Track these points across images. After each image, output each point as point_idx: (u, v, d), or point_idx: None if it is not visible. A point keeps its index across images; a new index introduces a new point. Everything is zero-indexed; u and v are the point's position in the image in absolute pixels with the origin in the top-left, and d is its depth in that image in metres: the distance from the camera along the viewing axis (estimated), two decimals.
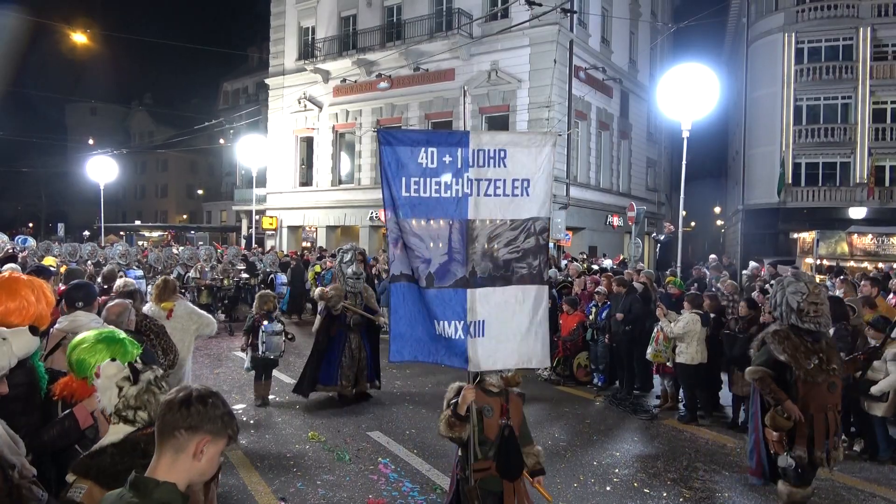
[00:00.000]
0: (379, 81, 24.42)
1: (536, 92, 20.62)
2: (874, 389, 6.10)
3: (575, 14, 21.04)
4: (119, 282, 5.97)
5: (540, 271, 3.53)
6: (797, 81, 27.09)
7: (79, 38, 19.90)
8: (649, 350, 8.14)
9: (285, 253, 22.08)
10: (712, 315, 7.79)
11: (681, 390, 8.06)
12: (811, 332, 4.38)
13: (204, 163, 59.77)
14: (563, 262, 14.66)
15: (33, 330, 2.70)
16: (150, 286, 10.69)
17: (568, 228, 20.65)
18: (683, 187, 13.65)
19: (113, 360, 2.31)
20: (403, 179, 3.41)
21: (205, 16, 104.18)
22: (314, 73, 26.24)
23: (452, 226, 3.43)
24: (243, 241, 33.08)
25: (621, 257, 19.16)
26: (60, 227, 39.34)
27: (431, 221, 3.44)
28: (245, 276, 15.32)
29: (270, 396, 8.10)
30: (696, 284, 11.18)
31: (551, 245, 17.11)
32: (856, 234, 17.86)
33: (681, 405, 8.05)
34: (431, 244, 3.44)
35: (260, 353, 7.69)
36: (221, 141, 42.29)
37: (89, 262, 14.35)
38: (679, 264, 12.98)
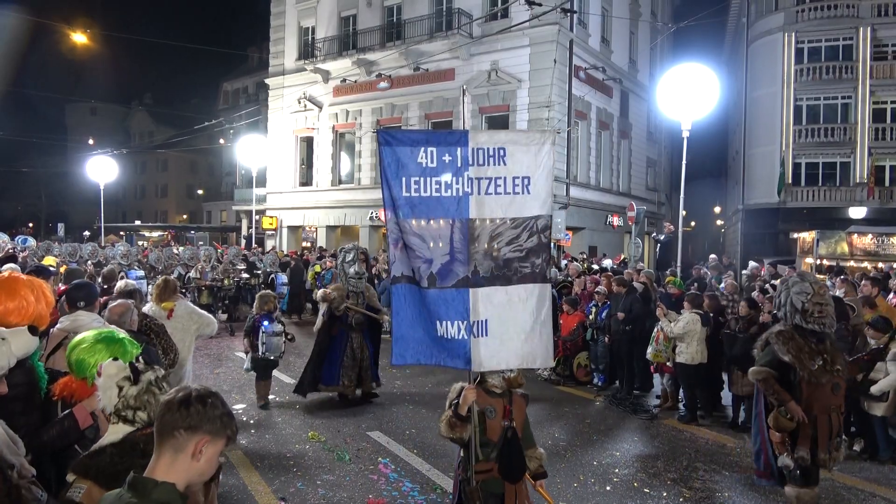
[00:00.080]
0: (379, 81, 24.41)
1: (536, 92, 20.61)
2: (874, 389, 6.09)
3: (575, 14, 21.03)
4: (119, 283, 5.98)
5: (543, 270, 3.51)
6: (797, 81, 27.08)
7: (79, 38, 19.90)
8: (649, 350, 8.13)
9: (285, 253, 22.07)
10: (712, 315, 7.80)
11: (681, 390, 8.07)
12: (815, 332, 4.36)
13: (204, 163, 59.76)
14: (563, 262, 14.65)
15: (32, 330, 2.69)
16: (150, 286, 10.70)
17: (568, 228, 20.62)
18: (683, 187, 13.64)
19: (115, 359, 2.30)
20: (403, 179, 3.39)
21: (205, 16, 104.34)
22: (314, 73, 26.23)
23: (454, 225, 3.42)
24: (243, 241, 33.04)
25: (622, 257, 19.14)
26: (60, 227, 39.31)
27: (432, 221, 3.42)
28: (245, 276, 15.32)
29: (270, 396, 8.09)
30: (695, 284, 11.17)
31: (551, 245, 17.07)
32: (856, 234, 17.83)
33: (681, 405, 8.05)
34: (432, 244, 3.42)
35: (260, 353, 7.67)
36: (221, 141, 42.29)
37: (90, 262, 14.37)
38: (679, 264, 12.96)
